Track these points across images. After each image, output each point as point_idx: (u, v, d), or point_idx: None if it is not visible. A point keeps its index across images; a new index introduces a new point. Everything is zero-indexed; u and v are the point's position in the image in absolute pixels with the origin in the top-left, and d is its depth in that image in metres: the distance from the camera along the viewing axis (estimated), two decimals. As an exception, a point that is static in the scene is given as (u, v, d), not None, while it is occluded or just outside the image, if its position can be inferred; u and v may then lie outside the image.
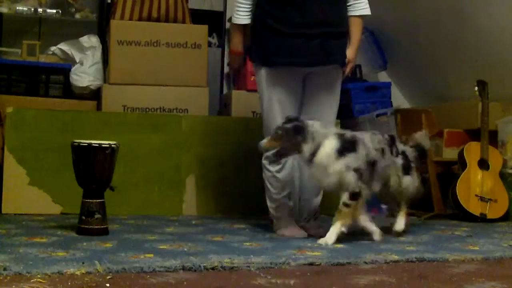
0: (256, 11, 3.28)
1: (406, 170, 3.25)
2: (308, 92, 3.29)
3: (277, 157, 3.12)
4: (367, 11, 3.32)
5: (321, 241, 2.94)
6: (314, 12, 3.14)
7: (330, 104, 3.30)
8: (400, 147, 3.30)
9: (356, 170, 2.95)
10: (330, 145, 2.95)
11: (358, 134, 3.09)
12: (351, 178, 2.94)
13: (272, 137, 3.02)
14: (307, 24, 3.14)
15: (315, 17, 3.14)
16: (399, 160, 3.23)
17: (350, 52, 3.29)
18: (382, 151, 3.12)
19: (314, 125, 2.99)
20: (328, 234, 2.96)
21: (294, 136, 2.95)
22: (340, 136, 3.00)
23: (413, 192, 3.32)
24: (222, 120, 4.54)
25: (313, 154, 2.94)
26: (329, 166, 2.93)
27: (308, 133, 2.95)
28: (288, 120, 3.01)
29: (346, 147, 2.96)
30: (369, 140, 3.07)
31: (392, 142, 3.24)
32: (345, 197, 2.97)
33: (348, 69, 3.33)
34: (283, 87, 3.22)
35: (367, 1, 3.32)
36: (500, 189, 4.25)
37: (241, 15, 3.34)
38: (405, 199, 3.33)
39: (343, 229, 2.97)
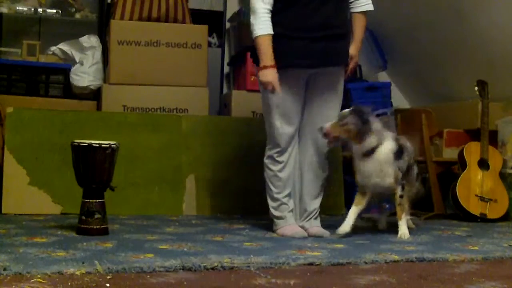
0: None
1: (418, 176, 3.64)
2: (311, 92, 3.28)
3: (334, 143, 3.28)
4: (369, 6, 3.31)
5: (400, 236, 3.25)
6: (317, 15, 3.13)
7: (333, 104, 3.30)
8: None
9: (402, 172, 3.30)
10: (389, 146, 3.22)
11: (402, 141, 3.37)
12: (400, 175, 3.28)
13: (338, 123, 3.18)
14: (310, 27, 3.13)
15: (318, 20, 3.13)
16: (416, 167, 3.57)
17: (353, 48, 3.29)
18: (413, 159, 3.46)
19: (376, 123, 3.24)
20: (402, 229, 3.29)
21: (363, 126, 3.15)
22: (396, 140, 3.29)
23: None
24: (222, 120, 4.54)
25: (372, 150, 3.18)
26: (386, 165, 3.22)
27: (374, 128, 3.19)
28: (357, 109, 3.21)
29: (399, 151, 3.27)
30: (410, 148, 3.39)
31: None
32: (399, 190, 3.29)
33: (351, 66, 3.33)
34: (286, 89, 3.21)
35: None
36: (500, 189, 4.25)
37: (263, 26, 3.11)
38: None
39: (408, 217, 3.48)
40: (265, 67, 3.12)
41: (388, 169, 3.22)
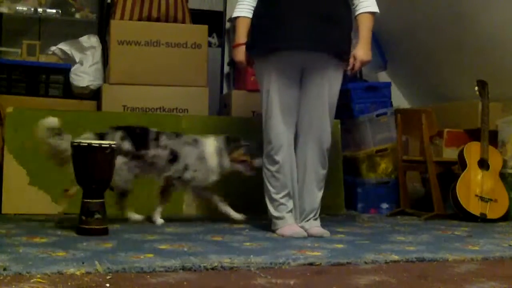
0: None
1: None
2: (305, 87, 3.27)
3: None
4: (372, 8, 3.28)
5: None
6: (301, 3, 3.16)
7: (324, 100, 3.25)
8: None
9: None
10: None
11: None
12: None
13: None
14: (293, 13, 3.15)
15: (303, 6, 3.15)
16: None
17: (356, 49, 3.24)
18: None
19: None
20: None
21: None
22: None
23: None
24: (222, 120, 4.54)
25: None
26: None
27: None
28: None
29: None
30: None
31: None
32: None
33: (357, 66, 3.24)
34: (281, 78, 3.22)
35: (373, 0, 3.30)
36: (500, 189, 4.25)
37: (241, 8, 3.39)
38: None
39: None
40: (236, 45, 3.41)
41: None
